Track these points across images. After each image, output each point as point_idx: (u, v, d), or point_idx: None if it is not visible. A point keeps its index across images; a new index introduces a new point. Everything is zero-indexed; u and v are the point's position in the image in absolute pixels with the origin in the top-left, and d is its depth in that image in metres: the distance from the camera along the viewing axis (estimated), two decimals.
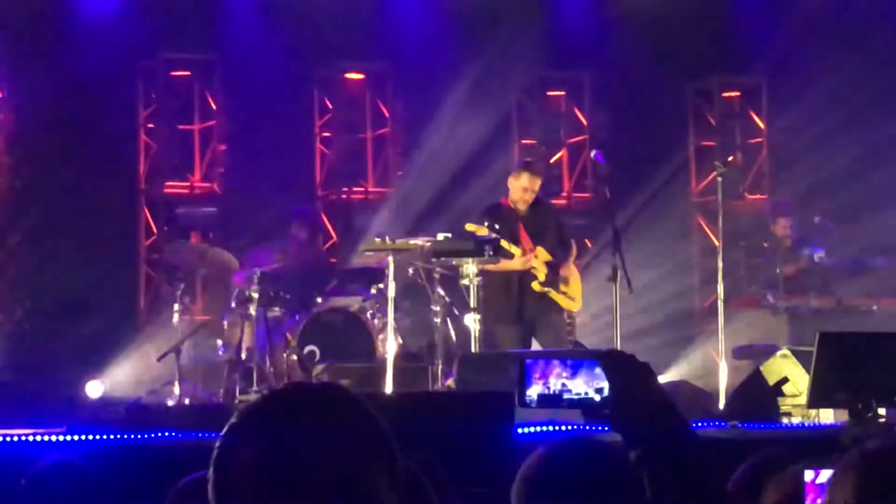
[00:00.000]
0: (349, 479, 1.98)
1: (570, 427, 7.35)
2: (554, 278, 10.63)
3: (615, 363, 2.95)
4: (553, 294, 10.64)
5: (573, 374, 3.20)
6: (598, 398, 3.16)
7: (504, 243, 10.41)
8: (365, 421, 2.05)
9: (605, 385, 3.05)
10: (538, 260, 10.61)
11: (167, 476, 4.81)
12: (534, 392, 3.21)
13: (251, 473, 2.00)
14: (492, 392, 7.44)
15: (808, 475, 3.15)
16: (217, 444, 2.07)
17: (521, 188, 10.69)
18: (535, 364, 3.21)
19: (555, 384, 3.19)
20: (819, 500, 2.95)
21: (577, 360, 3.21)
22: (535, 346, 10.66)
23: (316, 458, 1.99)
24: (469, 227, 10.51)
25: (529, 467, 2.99)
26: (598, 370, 3.13)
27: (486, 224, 10.35)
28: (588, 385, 3.22)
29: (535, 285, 10.59)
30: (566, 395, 3.22)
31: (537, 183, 10.75)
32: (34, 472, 4.76)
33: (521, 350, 10.33)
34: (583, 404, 3.19)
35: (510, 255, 10.50)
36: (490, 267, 10.46)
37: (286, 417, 2.03)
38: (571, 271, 10.75)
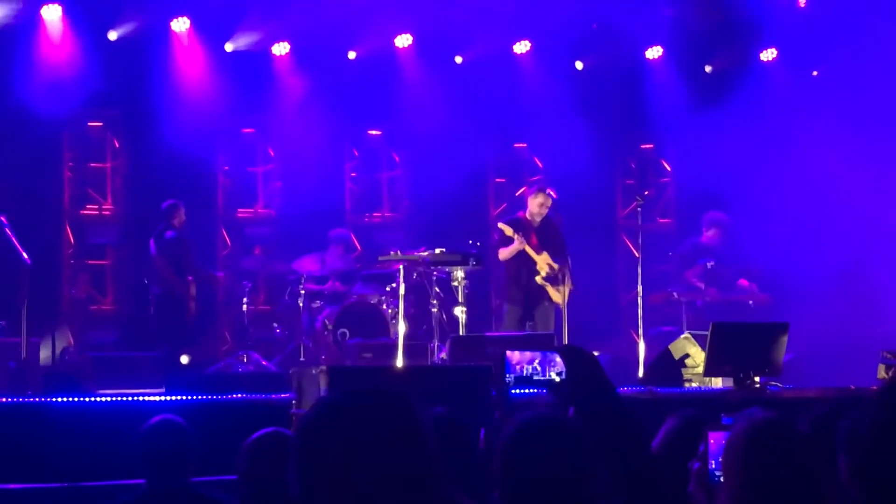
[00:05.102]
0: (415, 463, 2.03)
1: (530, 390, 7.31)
2: (553, 277, 10.41)
3: (571, 354, 2.95)
4: (549, 288, 10.44)
5: (541, 362, 3.20)
6: (558, 379, 3.17)
7: (527, 249, 10.33)
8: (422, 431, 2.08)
9: (564, 370, 3.05)
10: (542, 260, 10.44)
11: (239, 428, 4.81)
12: (511, 376, 3.21)
13: (336, 447, 2.01)
14: (476, 366, 7.43)
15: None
16: (308, 418, 2.08)
17: (538, 204, 10.53)
18: (512, 355, 3.21)
19: (527, 369, 3.19)
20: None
21: (543, 351, 3.21)
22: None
23: (386, 444, 2.02)
24: (501, 225, 10.51)
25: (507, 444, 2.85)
26: (558, 359, 3.13)
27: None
28: (551, 370, 3.22)
29: (538, 279, 10.42)
30: (535, 377, 3.21)
31: (549, 200, 10.58)
32: (146, 426, 4.74)
33: (496, 333, 10.31)
34: (547, 384, 3.18)
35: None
36: (507, 253, 10.36)
37: (367, 410, 2.06)
38: (567, 277, 10.42)
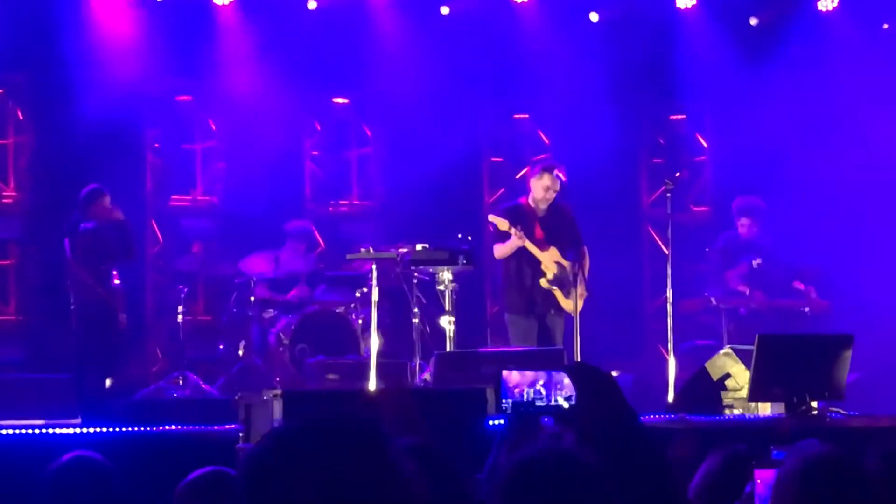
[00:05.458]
0: None
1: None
2: (562, 278, 10.36)
3: (583, 374, 2.94)
4: (557, 293, 10.37)
5: (545, 384, 3.19)
6: (566, 405, 3.15)
7: (528, 245, 10.30)
8: (386, 462, 2.06)
9: (573, 393, 3.04)
10: (549, 258, 10.42)
11: (174, 467, 4.81)
12: (509, 401, 3.20)
13: (291, 490, 2.01)
14: (467, 389, 7.44)
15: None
16: (256, 454, 2.07)
17: (543, 187, 10.43)
18: (509, 375, 3.20)
19: (528, 393, 3.18)
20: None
21: (548, 370, 3.20)
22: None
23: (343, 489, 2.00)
24: (492, 218, 10.42)
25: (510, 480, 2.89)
26: (566, 380, 3.12)
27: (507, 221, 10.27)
28: (558, 393, 3.21)
29: (543, 282, 10.34)
30: (538, 402, 3.20)
31: (558, 183, 10.46)
32: (55, 465, 4.71)
33: (492, 349, 10.32)
34: (553, 411, 3.17)
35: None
36: (504, 250, 10.32)
37: (321, 449, 2.05)
38: (581, 279, 10.30)
